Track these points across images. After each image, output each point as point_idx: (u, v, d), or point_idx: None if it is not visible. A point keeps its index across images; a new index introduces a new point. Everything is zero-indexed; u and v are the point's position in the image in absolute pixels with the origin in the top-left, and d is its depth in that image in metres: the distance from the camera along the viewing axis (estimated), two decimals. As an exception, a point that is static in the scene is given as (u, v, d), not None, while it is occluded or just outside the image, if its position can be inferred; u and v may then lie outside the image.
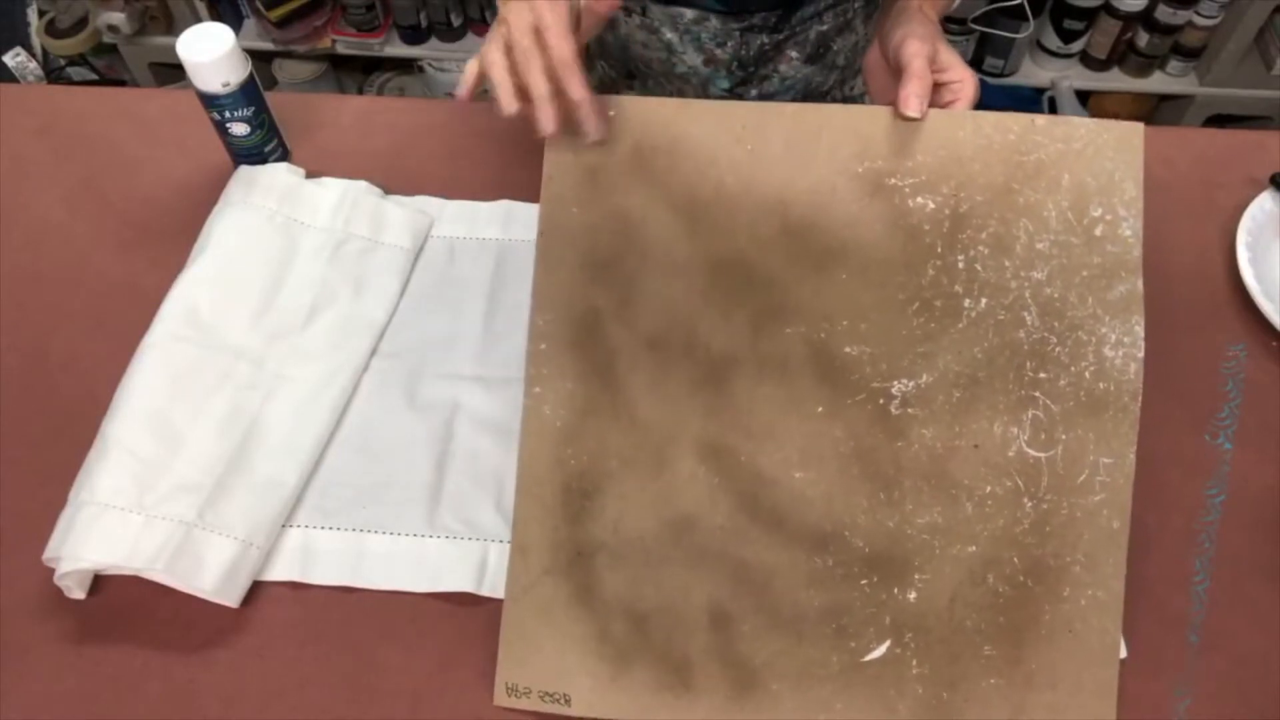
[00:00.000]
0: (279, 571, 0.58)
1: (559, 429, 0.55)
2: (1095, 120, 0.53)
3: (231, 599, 0.55)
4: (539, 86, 0.51)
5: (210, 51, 0.67)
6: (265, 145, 0.74)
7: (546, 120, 0.51)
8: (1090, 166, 0.53)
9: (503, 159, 0.78)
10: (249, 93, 0.70)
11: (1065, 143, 0.53)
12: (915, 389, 0.54)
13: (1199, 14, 1.53)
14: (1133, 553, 0.52)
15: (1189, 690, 0.55)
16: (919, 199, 0.54)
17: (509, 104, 0.52)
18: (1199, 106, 1.66)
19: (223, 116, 0.71)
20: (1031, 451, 0.53)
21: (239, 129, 0.71)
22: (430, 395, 0.64)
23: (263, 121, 0.72)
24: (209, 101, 0.70)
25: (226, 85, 0.69)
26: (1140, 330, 0.53)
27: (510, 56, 0.52)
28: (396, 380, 0.65)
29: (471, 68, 0.55)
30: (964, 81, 0.57)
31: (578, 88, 0.51)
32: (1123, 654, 0.54)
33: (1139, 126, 0.53)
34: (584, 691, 0.54)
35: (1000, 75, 1.65)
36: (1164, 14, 1.53)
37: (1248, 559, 0.59)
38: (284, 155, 0.76)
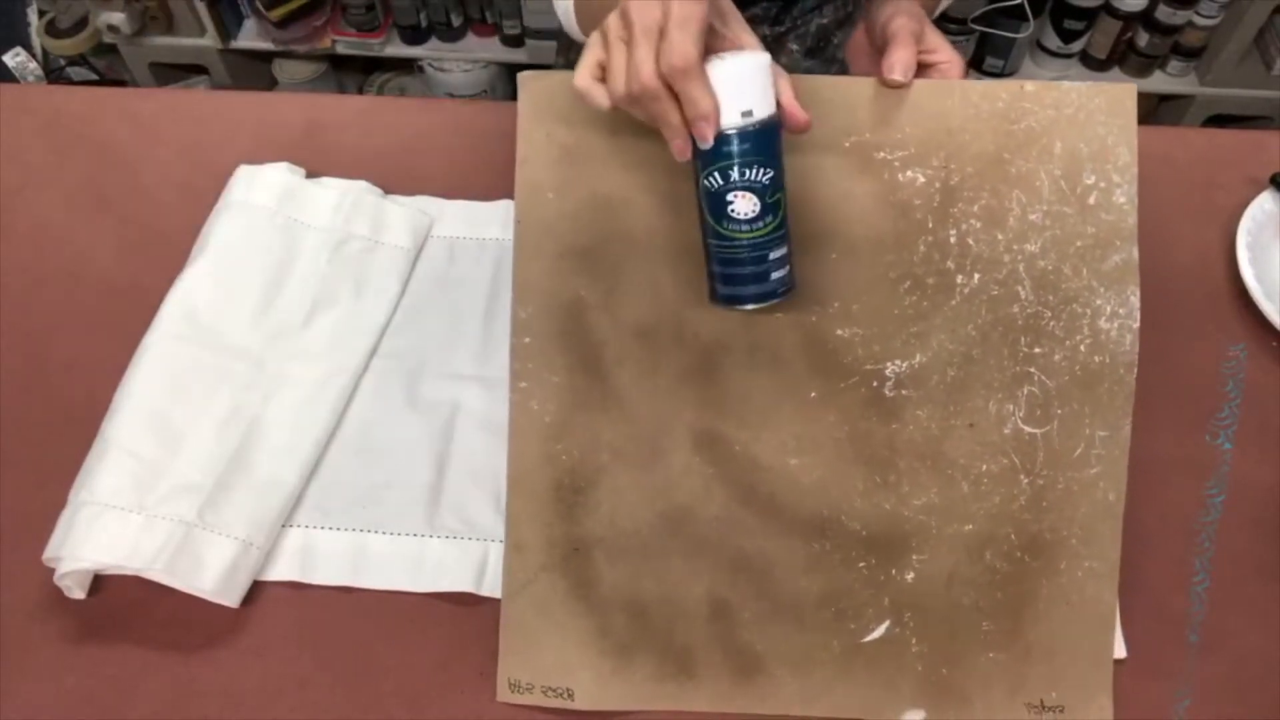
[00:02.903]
0: (279, 571, 0.58)
1: (547, 424, 0.54)
2: (1086, 84, 0.52)
3: (231, 599, 0.55)
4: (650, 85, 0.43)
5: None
6: (771, 242, 0.47)
7: (680, 139, 0.44)
8: (1082, 133, 0.52)
9: (503, 159, 0.77)
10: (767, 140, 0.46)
11: (1056, 109, 0.52)
12: (909, 370, 0.54)
13: (1199, 14, 1.52)
14: (1133, 553, 0.52)
15: (1189, 690, 0.55)
16: (909, 173, 0.53)
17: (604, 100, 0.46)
18: (1199, 106, 1.65)
19: (724, 181, 0.45)
20: (1027, 428, 0.53)
21: (744, 206, 0.46)
22: (430, 395, 0.64)
23: (778, 201, 0.47)
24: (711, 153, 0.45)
25: (748, 115, 0.45)
26: (1136, 300, 0.52)
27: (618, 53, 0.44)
28: (396, 380, 0.65)
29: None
30: (951, 63, 0.57)
31: (704, 97, 0.42)
32: (1122, 654, 0.54)
33: (1131, 88, 0.52)
34: (586, 685, 0.53)
35: (1000, 75, 1.65)
36: (1164, 14, 1.53)
37: (1248, 559, 0.59)
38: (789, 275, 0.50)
